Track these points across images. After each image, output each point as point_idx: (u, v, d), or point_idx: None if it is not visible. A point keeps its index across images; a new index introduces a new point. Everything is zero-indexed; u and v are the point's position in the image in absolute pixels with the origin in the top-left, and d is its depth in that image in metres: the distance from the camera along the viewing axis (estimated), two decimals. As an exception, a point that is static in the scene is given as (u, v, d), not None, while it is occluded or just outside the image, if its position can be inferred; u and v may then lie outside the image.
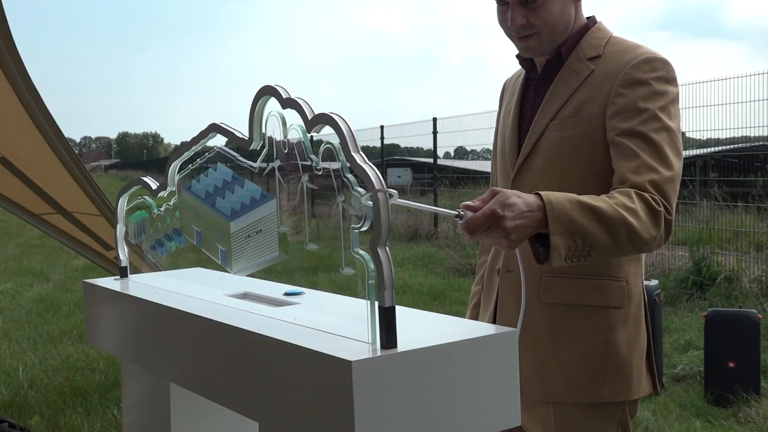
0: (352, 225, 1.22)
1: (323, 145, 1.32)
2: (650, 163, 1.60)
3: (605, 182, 1.67)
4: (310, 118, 1.32)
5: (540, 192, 1.50)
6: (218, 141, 1.71)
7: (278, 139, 1.47)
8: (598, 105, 1.70)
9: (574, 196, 1.52)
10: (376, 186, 1.17)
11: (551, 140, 1.75)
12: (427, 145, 14.16)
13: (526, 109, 1.88)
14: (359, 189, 1.24)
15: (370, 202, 1.18)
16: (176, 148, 1.95)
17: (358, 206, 1.24)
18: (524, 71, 1.93)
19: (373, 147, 15.43)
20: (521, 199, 1.45)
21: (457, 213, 1.42)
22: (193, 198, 1.81)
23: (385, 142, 15.63)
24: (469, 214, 1.41)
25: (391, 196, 1.18)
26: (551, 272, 1.76)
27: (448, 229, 11.72)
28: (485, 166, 16.59)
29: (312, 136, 1.40)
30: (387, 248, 1.18)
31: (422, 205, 1.42)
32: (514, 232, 1.42)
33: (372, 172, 1.19)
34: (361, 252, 1.22)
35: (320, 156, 1.37)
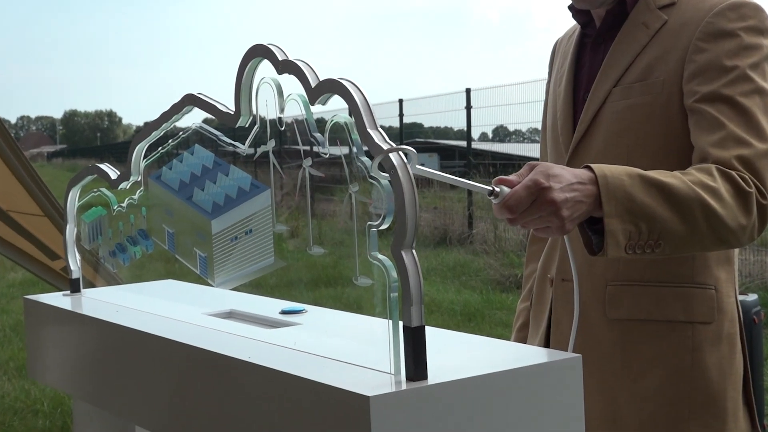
0: (369, 222, 1.22)
1: (330, 120, 1.33)
2: (738, 134, 1.60)
3: (684, 162, 1.67)
4: (313, 85, 1.32)
5: (590, 164, 1.51)
6: (196, 117, 1.72)
7: (272, 114, 1.48)
8: (672, 64, 1.70)
9: (635, 169, 1.52)
10: (383, 147, 1.18)
11: (615, 111, 1.76)
12: (459, 123, 14.17)
13: (582, 75, 1.88)
14: (378, 174, 1.25)
15: (385, 175, 1.17)
16: (138, 130, 1.97)
17: (378, 199, 1.24)
18: (579, 27, 1.93)
19: (389, 127, 15.45)
20: (567, 170, 1.47)
21: (491, 189, 1.42)
22: (164, 190, 1.83)
23: (405, 120, 15.65)
24: (506, 189, 1.43)
25: (406, 155, 1.18)
26: (618, 279, 1.76)
27: (485, 231, 11.72)
28: (532, 149, 16.56)
29: (316, 117, 1.41)
30: (414, 251, 1.18)
31: (446, 175, 1.42)
32: (566, 207, 1.43)
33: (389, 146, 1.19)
34: (380, 257, 1.22)
35: (327, 135, 1.38)
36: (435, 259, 11.13)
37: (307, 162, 1.41)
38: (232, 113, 1.55)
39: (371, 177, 1.24)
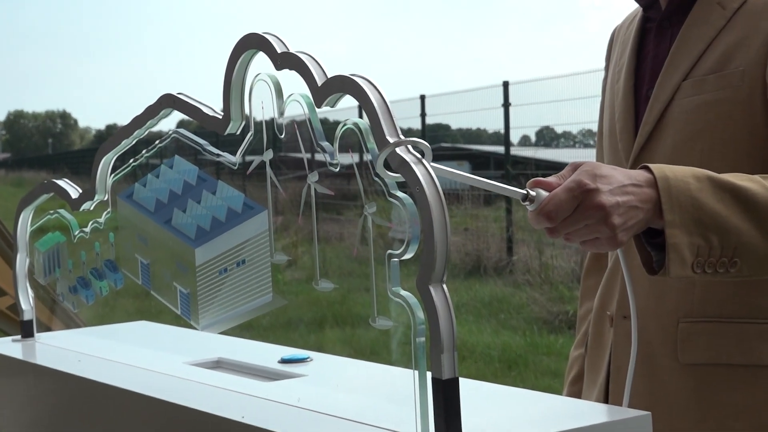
0: (389, 251, 1.24)
1: (341, 126, 1.34)
2: None
3: None
4: (320, 83, 1.33)
5: (648, 164, 1.51)
6: (175, 122, 1.74)
7: (270, 117, 1.50)
8: (754, 51, 1.71)
9: (704, 171, 1.53)
10: (390, 139, 1.19)
11: (685, 109, 1.76)
12: (494, 124, 14.17)
13: (644, 66, 1.89)
14: (398, 193, 1.26)
15: (394, 175, 1.18)
16: (100, 135, 1.99)
17: (399, 221, 1.26)
18: (641, 10, 1.94)
19: (409, 129, 15.45)
20: (618, 170, 1.47)
21: (525, 193, 1.43)
22: (137, 212, 1.84)
23: (428, 120, 15.66)
24: (544, 193, 1.43)
25: (421, 151, 1.19)
26: (692, 315, 1.76)
27: (528, 257, 11.69)
28: (585, 156, 16.51)
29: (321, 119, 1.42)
30: (444, 286, 1.19)
31: (466, 174, 1.43)
32: (617, 213, 1.43)
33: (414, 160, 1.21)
34: (403, 293, 1.23)
35: (336, 144, 1.39)
36: (467, 292, 11.10)
37: (313, 177, 1.42)
38: (221, 117, 1.57)
39: (391, 195, 1.26)
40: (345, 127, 1.34)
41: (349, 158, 1.43)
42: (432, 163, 1.24)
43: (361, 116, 1.31)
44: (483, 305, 10.41)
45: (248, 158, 1.64)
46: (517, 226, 12.68)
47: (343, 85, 1.29)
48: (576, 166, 1.46)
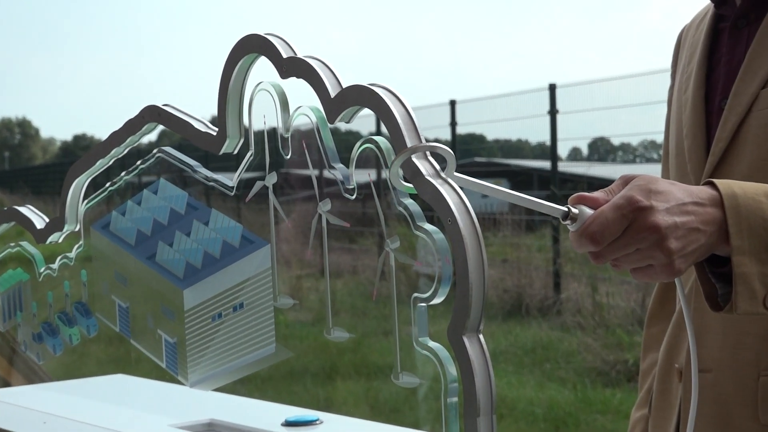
0: (416, 294, 1.24)
1: (359, 146, 1.35)
2: None
3: None
4: (333, 95, 1.34)
5: (713, 180, 1.52)
6: (161, 139, 1.74)
7: (274, 132, 1.50)
8: None
9: None
10: (416, 160, 1.20)
11: (765, 123, 1.77)
12: (538, 135, 14.16)
13: (717, 74, 1.90)
14: (426, 226, 1.27)
15: (407, 185, 1.18)
16: (66, 147, 2.00)
17: (425, 256, 1.27)
18: (712, 7, 1.94)
19: (435, 140, 15.39)
20: (678, 186, 1.47)
21: (566, 210, 1.44)
22: (115, 245, 1.85)
23: (459, 130, 15.65)
24: (588, 211, 1.43)
25: (439, 161, 1.20)
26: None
27: (579, 295, 11.65)
28: (649, 171, 16.48)
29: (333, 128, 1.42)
30: (481, 336, 1.20)
31: (494, 186, 1.43)
32: (674, 236, 1.43)
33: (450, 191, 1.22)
34: (431, 344, 1.24)
35: (353, 166, 1.40)
36: (505, 337, 11.07)
37: (325, 206, 1.43)
38: (215, 134, 1.58)
39: (417, 226, 1.27)
40: (363, 147, 1.34)
41: (366, 176, 1.43)
42: (455, 173, 1.25)
43: (379, 127, 1.32)
44: (525, 353, 10.38)
45: (246, 176, 1.64)
46: (565, 258, 12.59)
47: (361, 96, 1.30)
48: (627, 180, 1.46)
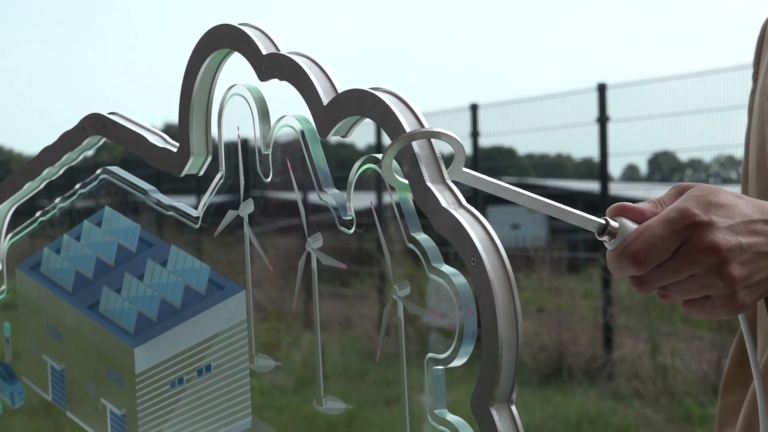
0: (431, 354, 1.24)
1: (358, 168, 1.35)
2: None
3: None
4: (327, 101, 1.34)
5: None
6: (99, 152, 1.74)
7: (251, 147, 1.51)
8: None
9: None
10: (432, 186, 1.20)
11: None
12: (584, 148, 14.18)
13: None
14: (443, 268, 1.27)
15: (404, 181, 1.19)
16: (8, 172, 2.00)
17: (438, 303, 1.26)
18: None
19: (453, 154, 15.41)
20: (745, 200, 1.48)
21: (603, 223, 1.44)
22: (47, 290, 1.85)
23: (483, 141, 15.68)
24: (631, 225, 1.44)
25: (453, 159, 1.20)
26: None
27: (636, 354, 11.67)
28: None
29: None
30: (514, 408, 1.19)
31: (517, 189, 1.43)
32: (738, 261, 1.43)
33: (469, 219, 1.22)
34: (449, 418, 1.24)
35: (351, 193, 1.40)
36: (542, 408, 11.11)
37: (316, 242, 1.43)
38: (175, 150, 1.58)
39: (433, 269, 1.27)
40: (362, 168, 1.34)
41: (363, 201, 1.44)
42: (464, 169, 1.25)
43: (379, 137, 1.32)
44: (567, 428, 10.41)
45: (215, 199, 1.63)
46: (619, 306, 12.60)
47: (361, 104, 1.30)
48: (683, 189, 1.47)
